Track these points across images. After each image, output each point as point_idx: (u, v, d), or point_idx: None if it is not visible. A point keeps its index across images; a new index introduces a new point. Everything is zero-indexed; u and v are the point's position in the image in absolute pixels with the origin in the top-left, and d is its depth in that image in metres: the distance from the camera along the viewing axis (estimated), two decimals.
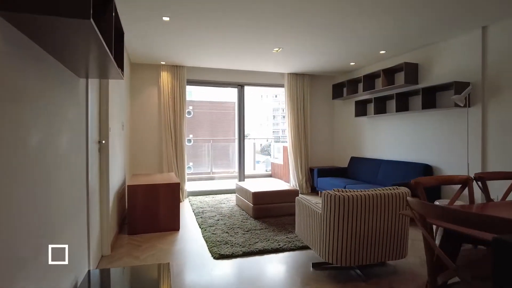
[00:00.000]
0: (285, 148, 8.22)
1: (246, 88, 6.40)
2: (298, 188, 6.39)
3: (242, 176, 6.44)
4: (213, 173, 9.42)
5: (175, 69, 5.72)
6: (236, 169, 6.52)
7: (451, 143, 4.21)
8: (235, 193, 5.56)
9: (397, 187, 2.65)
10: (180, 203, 5.38)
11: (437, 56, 4.40)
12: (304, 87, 6.50)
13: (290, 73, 6.39)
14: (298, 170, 6.41)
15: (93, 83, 2.69)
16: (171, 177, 4.39)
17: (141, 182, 3.95)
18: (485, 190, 2.38)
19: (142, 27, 3.80)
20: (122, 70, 2.07)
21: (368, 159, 5.62)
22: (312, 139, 6.77)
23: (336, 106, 6.87)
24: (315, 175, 6.06)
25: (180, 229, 3.98)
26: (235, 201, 5.49)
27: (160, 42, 4.44)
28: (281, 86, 6.52)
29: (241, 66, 5.85)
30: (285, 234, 3.71)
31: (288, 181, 7.95)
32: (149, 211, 3.82)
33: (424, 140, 4.63)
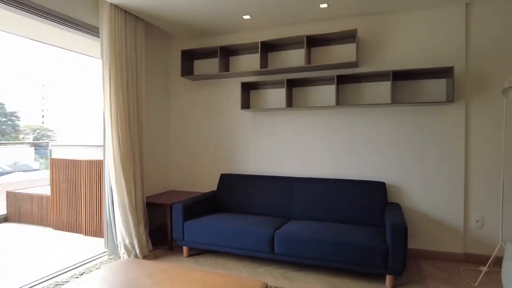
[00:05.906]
0: (55, 162, 4.15)
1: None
2: (132, 247, 3.07)
3: None
4: None
5: None
6: None
7: (414, 151, 3.05)
8: None
9: None
10: None
11: (393, 30, 3.11)
12: (138, 42, 3.26)
13: (115, 5, 2.96)
14: (134, 205, 3.08)
15: None
16: None
17: None
18: None
19: None
20: None
21: (267, 178, 3.46)
22: (148, 142, 3.59)
23: (180, 89, 4.04)
24: (178, 216, 3.08)
25: None
26: None
27: None
28: (94, 32, 2.91)
29: None
30: None
31: (76, 229, 4.03)
32: None
33: (365, 145, 3.21)
